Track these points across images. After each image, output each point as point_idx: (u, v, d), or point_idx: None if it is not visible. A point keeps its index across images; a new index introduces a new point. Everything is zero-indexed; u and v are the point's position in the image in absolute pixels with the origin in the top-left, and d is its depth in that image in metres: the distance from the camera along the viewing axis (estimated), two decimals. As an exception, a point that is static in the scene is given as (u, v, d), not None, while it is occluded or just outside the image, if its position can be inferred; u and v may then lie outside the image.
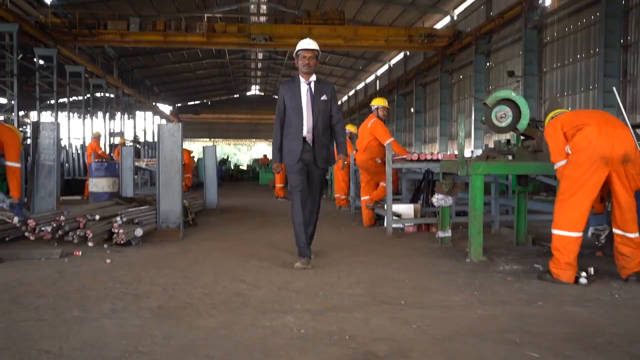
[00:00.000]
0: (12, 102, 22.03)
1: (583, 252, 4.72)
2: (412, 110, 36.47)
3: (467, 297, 3.37)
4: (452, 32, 28.27)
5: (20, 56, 22.84)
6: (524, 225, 5.39)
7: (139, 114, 44.71)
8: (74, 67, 28.55)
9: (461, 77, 29.88)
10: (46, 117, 27.03)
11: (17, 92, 21.72)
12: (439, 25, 29.10)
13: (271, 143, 4.80)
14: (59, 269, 4.20)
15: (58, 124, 18.59)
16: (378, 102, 7.15)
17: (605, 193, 4.06)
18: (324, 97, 4.45)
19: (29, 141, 16.60)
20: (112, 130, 36.08)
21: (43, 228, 4.96)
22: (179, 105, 60.35)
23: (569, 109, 20.54)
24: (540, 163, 4.56)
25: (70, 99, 28.59)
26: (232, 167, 33.15)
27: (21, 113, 22.76)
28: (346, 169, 9.39)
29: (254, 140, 68.80)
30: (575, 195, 3.68)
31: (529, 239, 5.34)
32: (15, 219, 4.93)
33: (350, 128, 11.01)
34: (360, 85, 51.10)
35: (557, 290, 3.55)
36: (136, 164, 11.60)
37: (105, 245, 5.12)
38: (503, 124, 4.75)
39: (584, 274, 3.77)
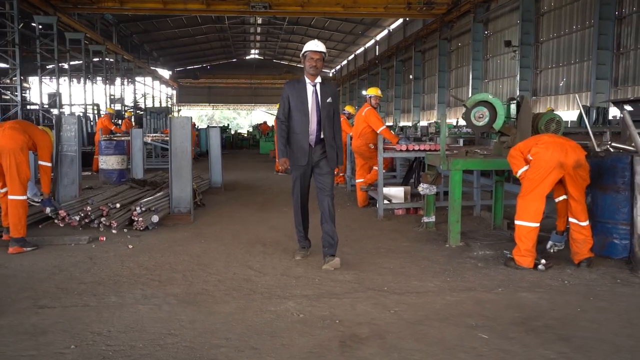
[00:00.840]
0: (15, 71, 22.41)
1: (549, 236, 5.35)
2: (410, 77, 36.64)
3: (440, 284, 4.00)
4: (450, 0, 28.22)
5: (21, 25, 23.03)
6: (500, 211, 6.01)
7: (138, 79, 44.76)
8: (74, 34, 28.70)
9: (459, 44, 30.01)
10: (47, 82, 27.30)
11: (19, 62, 22.05)
12: (437, -7, 28.83)
13: (273, 114, 5.18)
14: (89, 255, 4.83)
15: (60, 94, 18.77)
16: (371, 92, 7.65)
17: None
18: (329, 100, 4.46)
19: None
20: (112, 96, 36.39)
21: (72, 217, 5.58)
22: (178, 69, 60.16)
23: (564, 79, 20.93)
24: (513, 160, 5.13)
25: (71, 63, 28.90)
26: (233, 134, 33.57)
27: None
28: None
29: (253, 104, 68.78)
30: (534, 192, 4.30)
31: (504, 223, 5.95)
32: (48, 210, 5.54)
33: (349, 109, 11.50)
34: (360, 50, 50.93)
35: (518, 276, 4.18)
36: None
37: (126, 230, 5.75)
38: (481, 123, 5.29)
39: (543, 261, 4.40)
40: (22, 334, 3.03)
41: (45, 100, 27.15)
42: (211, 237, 5.65)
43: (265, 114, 60.67)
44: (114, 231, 5.61)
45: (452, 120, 29.27)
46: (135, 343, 2.91)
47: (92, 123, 25.40)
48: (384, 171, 8.01)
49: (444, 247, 5.15)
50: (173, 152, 6.24)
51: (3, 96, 22.65)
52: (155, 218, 5.80)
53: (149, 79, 48.69)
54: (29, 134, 5.04)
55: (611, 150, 4.64)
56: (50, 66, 27.02)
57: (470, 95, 27.12)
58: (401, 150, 6.61)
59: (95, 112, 31.83)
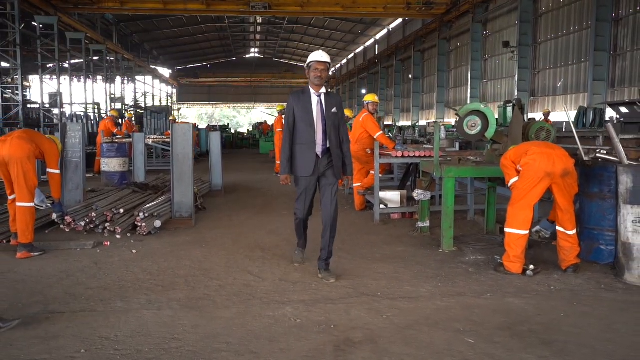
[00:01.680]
0: (17, 72, 22.58)
1: (540, 242, 5.55)
2: (410, 76, 36.79)
3: (432, 289, 4.18)
4: (450, 0, 28.34)
5: (22, 25, 23.19)
6: (493, 215, 6.19)
7: (138, 78, 44.93)
8: (75, 33, 28.89)
9: (458, 44, 30.15)
10: (47, 82, 27.47)
11: (20, 62, 22.22)
12: (437, -7, 28.93)
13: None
14: (95, 260, 5.00)
15: (61, 94, 18.87)
16: (369, 98, 7.83)
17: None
18: (334, 110, 4.45)
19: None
20: (112, 95, 36.55)
21: (78, 223, 5.76)
22: (178, 68, 60.30)
23: (562, 80, 21.07)
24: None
25: (71, 62, 29.09)
26: (233, 133, 33.73)
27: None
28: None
29: (253, 103, 68.89)
30: (522, 201, 4.48)
31: (497, 227, 6.13)
32: (54, 215, 5.72)
33: (347, 113, 11.65)
34: (360, 49, 51.05)
35: (506, 282, 4.36)
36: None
37: (129, 235, 5.92)
38: (473, 132, 5.46)
39: (532, 266, 4.57)
40: (34, 338, 3.21)
41: (46, 100, 27.37)
42: (212, 241, 5.83)
43: (265, 114, 60.85)
44: (118, 236, 5.79)
45: (451, 120, 29.48)
46: (142, 347, 3.08)
47: (92, 122, 25.56)
48: (381, 175, 8.20)
49: (438, 252, 5.32)
50: (175, 158, 6.41)
51: (4, 96, 22.81)
52: (157, 223, 5.98)
53: (149, 78, 48.85)
54: (36, 143, 5.21)
55: (598, 159, 4.81)
56: (51, 65, 27.24)
57: (469, 95, 27.35)
58: (397, 157, 6.78)
59: (96, 111, 32.04)
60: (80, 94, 31.15)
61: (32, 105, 25.51)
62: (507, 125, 5.61)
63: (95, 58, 32.32)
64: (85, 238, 5.75)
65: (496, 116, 10.83)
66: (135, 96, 43.35)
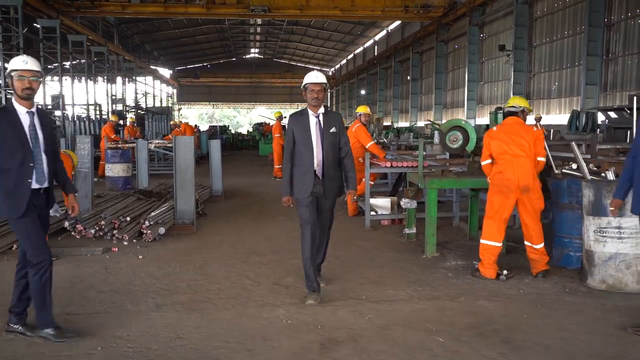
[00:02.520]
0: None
1: (517, 248, 5.97)
2: (408, 78, 37.19)
3: (411, 292, 4.61)
4: (447, 3, 28.70)
5: (26, 29, 23.61)
6: (475, 222, 6.61)
7: (139, 79, 45.35)
8: (76, 36, 29.33)
9: (456, 47, 30.55)
10: (49, 83, 27.90)
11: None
12: (434, -4, 29.26)
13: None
14: (104, 265, 5.44)
15: (63, 96, 19.34)
16: (361, 110, 8.27)
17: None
18: (333, 130, 4.42)
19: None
20: (114, 96, 36.99)
21: (88, 230, 6.21)
22: (178, 68, 60.69)
23: (556, 84, 21.48)
24: (482, 179, 5.71)
25: (73, 62, 29.56)
26: (233, 134, 34.16)
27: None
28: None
29: (253, 103, 69.30)
30: (494, 217, 4.94)
31: (479, 233, 6.53)
32: (66, 223, 6.18)
33: (361, 110, 12.00)
34: (359, 50, 51.41)
35: (480, 286, 4.79)
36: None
37: (135, 241, 6.36)
38: (455, 146, 5.90)
39: (505, 272, 5.00)
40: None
41: (49, 102, 27.81)
42: (212, 247, 6.27)
43: (264, 112, 61.24)
44: (125, 242, 6.23)
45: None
46: (151, 345, 3.52)
47: (94, 124, 25.94)
48: (374, 182, 8.63)
49: (421, 258, 5.75)
50: (177, 168, 6.85)
51: (7, 97, 23.23)
52: (161, 230, 6.41)
53: (149, 79, 49.27)
54: (50, 157, 5.64)
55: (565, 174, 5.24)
56: (53, 66, 27.70)
57: (466, 97, 27.76)
58: (386, 167, 7.21)
59: (98, 112, 32.49)
60: (82, 96, 31.61)
61: (34, 107, 25.94)
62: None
63: (96, 59, 32.79)
64: (95, 244, 6.18)
65: (488, 122, 11.27)
66: (136, 97, 43.79)
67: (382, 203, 7.76)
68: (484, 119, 23.67)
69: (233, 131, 40.27)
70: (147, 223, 6.33)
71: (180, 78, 61.14)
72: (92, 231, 6.25)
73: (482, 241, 5.00)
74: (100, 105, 33.67)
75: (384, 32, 43.11)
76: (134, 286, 4.78)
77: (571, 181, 5.17)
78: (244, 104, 70.83)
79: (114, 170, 11.26)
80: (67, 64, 29.58)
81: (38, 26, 25.49)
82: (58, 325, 3.62)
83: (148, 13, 29.26)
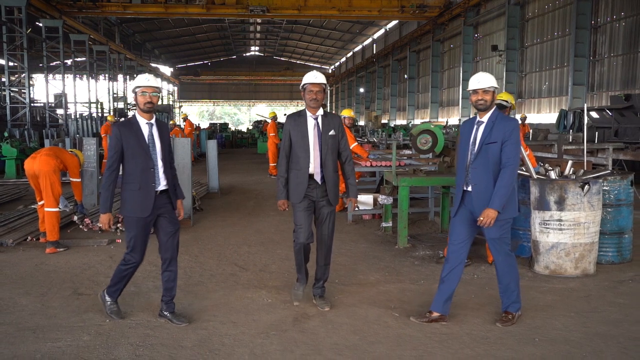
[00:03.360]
0: (23, 74, 23.69)
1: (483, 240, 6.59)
2: (405, 76, 37.77)
3: (379, 277, 5.26)
4: (442, 3, 29.26)
5: (29, 30, 24.26)
6: (446, 217, 7.25)
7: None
8: (78, 35, 29.99)
9: (451, 46, 31.15)
10: (52, 82, 28.53)
11: (27, 65, 23.31)
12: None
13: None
14: (110, 255, 6.10)
15: (65, 94, 20.02)
16: (345, 113, 8.92)
17: None
18: (332, 132, 4.26)
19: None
20: (115, 94, 37.65)
21: (94, 223, 6.87)
22: (179, 66, 61.31)
23: (546, 83, 22.03)
24: (449, 177, 6.34)
25: (75, 60, 30.21)
26: (232, 131, 34.73)
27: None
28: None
29: (253, 100, 69.90)
30: None
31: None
32: (75, 218, 6.85)
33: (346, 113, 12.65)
34: (358, 48, 52.00)
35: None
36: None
37: (137, 233, 7.01)
38: (425, 148, 6.53)
39: (466, 260, 5.63)
40: (70, 312, 4.31)
41: (52, 100, 28.47)
42: (207, 239, 6.92)
43: (264, 110, 61.77)
44: (128, 234, 6.89)
45: (443, 120, 30.50)
46: (151, 319, 4.17)
47: (96, 122, 26.56)
48: (358, 179, 9.28)
49: (393, 248, 6.40)
50: (176, 167, 7.47)
51: (11, 94, 23.83)
52: (161, 223, 7.05)
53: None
54: (60, 158, 6.31)
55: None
56: (54, 63, 28.37)
57: (461, 96, 28.36)
58: (365, 166, 7.85)
59: (99, 110, 33.14)
60: (84, 94, 32.30)
61: (37, 104, 26.65)
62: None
63: (98, 57, 33.43)
64: (100, 236, 6.84)
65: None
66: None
67: (365, 199, 8.39)
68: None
69: (233, 129, 40.84)
70: (147, 217, 6.97)
71: (181, 76, 61.75)
72: (98, 225, 6.88)
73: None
74: (102, 103, 34.35)
75: (382, 31, 43.70)
76: (136, 272, 5.41)
77: (524, 179, 5.80)
78: (244, 102, 71.42)
79: (117, 168, 11.89)
80: (69, 62, 30.26)
81: (41, 25, 26.16)
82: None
83: (149, 13, 29.92)
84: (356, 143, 8.53)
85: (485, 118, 3.96)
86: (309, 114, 4.29)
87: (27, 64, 23.31)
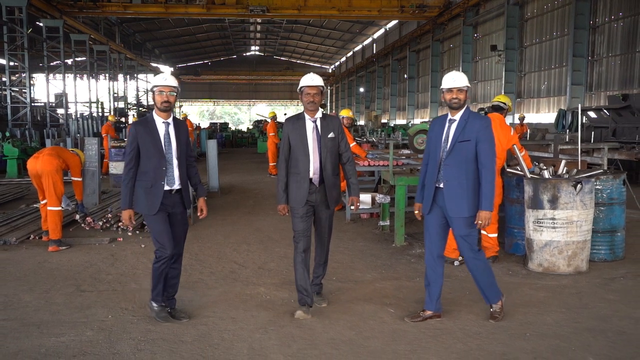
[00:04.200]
0: (24, 74, 23.79)
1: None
2: (405, 76, 37.86)
3: (376, 275, 5.36)
4: (442, 3, 29.31)
5: (30, 30, 24.36)
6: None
7: (140, 76, 46.09)
8: (79, 35, 30.10)
9: (451, 46, 31.23)
10: (52, 81, 28.64)
11: (28, 65, 23.42)
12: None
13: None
14: (111, 253, 6.20)
15: (66, 94, 20.13)
16: (344, 113, 9.02)
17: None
18: (331, 135, 4.24)
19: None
20: (115, 94, 37.76)
21: (96, 222, 6.98)
22: (179, 66, 61.37)
23: (545, 83, 22.11)
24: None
25: (76, 59, 30.33)
26: (233, 131, 34.84)
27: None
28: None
29: (254, 100, 70.01)
30: None
31: (446, 225, 7.29)
32: (77, 217, 6.95)
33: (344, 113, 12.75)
34: (358, 47, 52.07)
35: (437, 269, 5.52)
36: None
37: (138, 232, 7.12)
38: (422, 147, 6.63)
39: (460, 258, 5.74)
40: (73, 308, 4.41)
41: (52, 100, 28.58)
42: (207, 238, 7.02)
43: (264, 109, 61.88)
44: (129, 233, 7.00)
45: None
46: (152, 315, 4.27)
47: (96, 121, 26.68)
48: (364, 177, 9.39)
49: (390, 247, 6.50)
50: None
51: (12, 93, 23.93)
52: (162, 222, 7.16)
53: (151, 76, 49.96)
54: (62, 158, 6.41)
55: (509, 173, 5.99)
56: (55, 63, 28.46)
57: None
58: (363, 165, 7.95)
59: (100, 110, 33.25)
60: (85, 93, 32.42)
61: (37, 104, 26.78)
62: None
63: (99, 57, 33.55)
64: (102, 235, 6.95)
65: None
66: (137, 94, 44.55)
67: (363, 198, 8.45)
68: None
69: (233, 128, 40.95)
70: (148, 216, 7.08)
71: (181, 75, 61.80)
72: (100, 223, 7.02)
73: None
74: (102, 103, 34.46)
75: (382, 31, 43.76)
76: (137, 270, 5.54)
77: (518, 179, 5.90)
78: (244, 101, 71.54)
79: (117, 168, 12.00)
80: (69, 62, 30.36)
81: (41, 25, 26.26)
82: (164, 305, 4.13)
83: (149, 13, 30.01)
84: (354, 143, 8.62)
85: (457, 116, 4.01)
86: (307, 116, 4.27)
87: (27, 64, 23.45)
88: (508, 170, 5.97)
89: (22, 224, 7.18)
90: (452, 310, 4.36)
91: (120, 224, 6.96)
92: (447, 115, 4.12)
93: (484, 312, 4.29)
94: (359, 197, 4.55)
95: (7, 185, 11.75)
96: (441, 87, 4.07)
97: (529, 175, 5.46)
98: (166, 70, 56.60)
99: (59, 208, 6.32)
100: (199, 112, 74.41)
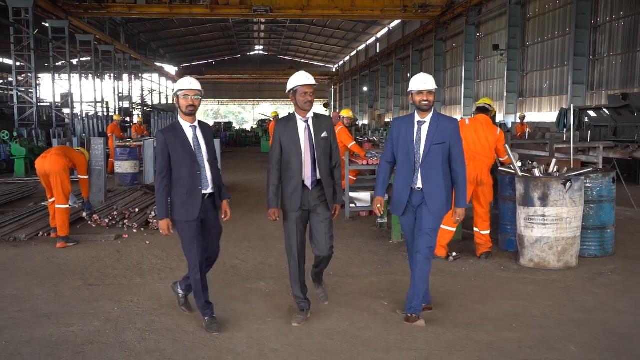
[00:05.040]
0: (30, 74, 24.06)
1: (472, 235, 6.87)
2: (408, 75, 37.96)
3: (372, 270, 5.55)
4: (445, 2, 29.40)
5: (36, 31, 24.65)
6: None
7: (145, 76, 46.40)
8: (84, 35, 30.39)
9: (454, 45, 31.34)
10: (58, 81, 28.94)
11: (34, 65, 23.70)
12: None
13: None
14: (117, 249, 6.41)
15: (72, 94, 20.35)
16: (345, 113, 9.20)
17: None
18: (324, 134, 4.11)
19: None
20: (120, 94, 38.06)
21: (102, 219, 7.20)
22: (183, 65, 61.64)
23: (547, 82, 22.21)
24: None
25: (81, 60, 30.63)
26: (237, 130, 35.07)
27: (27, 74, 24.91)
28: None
29: (258, 99, 70.23)
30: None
31: (443, 223, 7.47)
32: (84, 214, 7.18)
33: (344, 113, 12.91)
34: (362, 47, 52.20)
35: (432, 264, 5.70)
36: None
37: (143, 229, 7.33)
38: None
39: (454, 254, 5.93)
40: (82, 301, 4.62)
41: (58, 99, 28.88)
42: (210, 234, 7.22)
43: (269, 109, 62.06)
44: (134, 230, 7.21)
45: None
46: (155, 307, 4.48)
47: (101, 121, 26.96)
48: (356, 177, 9.57)
49: (387, 243, 6.69)
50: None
51: (19, 93, 24.23)
52: (166, 219, 7.37)
53: (155, 76, 50.32)
54: (69, 157, 6.63)
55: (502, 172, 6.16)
56: (60, 63, 28.74)
57: (463, 94, 28.55)
58: (362, 164, 8.14)
59: (105, 109, 33.56)
60: (90, 93, 32.73)
61: (43, 104, 27.07)
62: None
63: (104, 57, 33.86)
64: (108, 232, 7.17)
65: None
66: (142, 94, 44.86)
67: (363, 196, 8.68)
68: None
69: (237, 127, 41.19)
70: (153, 214, 7.29)
71: (185, 75, 62.02)
72: (106, 220, 7.24)
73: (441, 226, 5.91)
74: (107, 103, 34.78)
75: (385, 30, 43.88)
76: (142, 265, 5.75)
77: (511, 177, 6.07)
78: (248, 100, 71.74)
79: (123, 167, 12.25)
80: (74, 62, 30.67)
81: (47, 26, 26.56)
82: (214, 318, 4.07)
83: (153, 14, 30.26)
84: (354, 142, 8.80)
85: (427, 118, 4.11)
86: (298, 117, 4.13)
87: (34, 64, 23.73)
88: (501, 169, 6.14)
89: (31, 222, 7.41)
90: (443, 302, 4.55)
91: (126, 221, 7.17)
92: (412, 116, 4.16)
93: (474, 305, 4.48)
94: (342, 204, 4.45)
95: (15, 184, 12.00)
96: (409, 89, 4.12)
97: (520, 174, 5.63)
98: (170, 69, 56.93)
99: (67, 206, 6.53)
100: (204, 112, 74.71)
